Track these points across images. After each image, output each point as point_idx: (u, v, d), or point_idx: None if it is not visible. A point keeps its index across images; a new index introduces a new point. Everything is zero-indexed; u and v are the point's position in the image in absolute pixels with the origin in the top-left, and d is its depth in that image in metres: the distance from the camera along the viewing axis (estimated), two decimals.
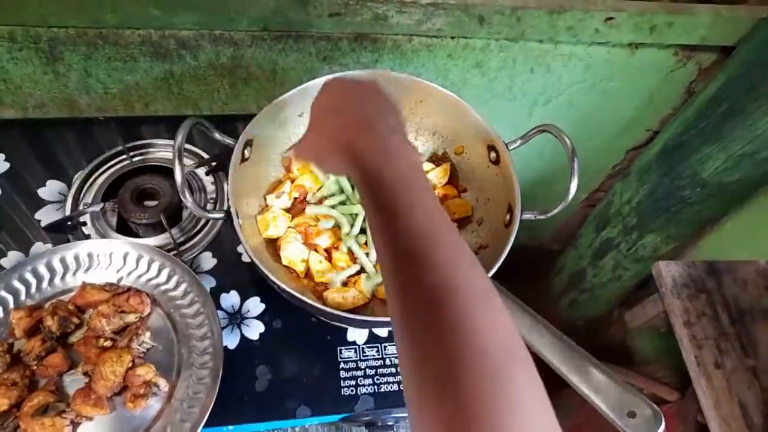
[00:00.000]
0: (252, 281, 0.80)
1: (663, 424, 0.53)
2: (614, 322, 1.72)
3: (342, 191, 0.79)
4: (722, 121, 1.02)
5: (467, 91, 1.13)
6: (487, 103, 1.17)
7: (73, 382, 0.69)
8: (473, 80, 1.11)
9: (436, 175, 0.81)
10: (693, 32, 1.02)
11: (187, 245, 0.82)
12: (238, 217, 0.66)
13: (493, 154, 0.76)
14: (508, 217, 0.71)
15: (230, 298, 0.79)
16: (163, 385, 0.68)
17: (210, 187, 0.88)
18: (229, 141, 0.71)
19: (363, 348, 0.77)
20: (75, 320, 0.71)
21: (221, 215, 0.66)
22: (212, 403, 0.66)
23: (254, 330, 0.76)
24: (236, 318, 0.77)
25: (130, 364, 0.67)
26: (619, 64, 1.10)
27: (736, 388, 0.86)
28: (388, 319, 0.66)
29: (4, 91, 0.99)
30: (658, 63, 1.12)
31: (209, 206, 0.86)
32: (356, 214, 0.76)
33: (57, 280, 0.75)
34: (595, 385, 0.56)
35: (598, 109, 1.24)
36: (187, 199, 0.62)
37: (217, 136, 0.71)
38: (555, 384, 1.42)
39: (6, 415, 0.64)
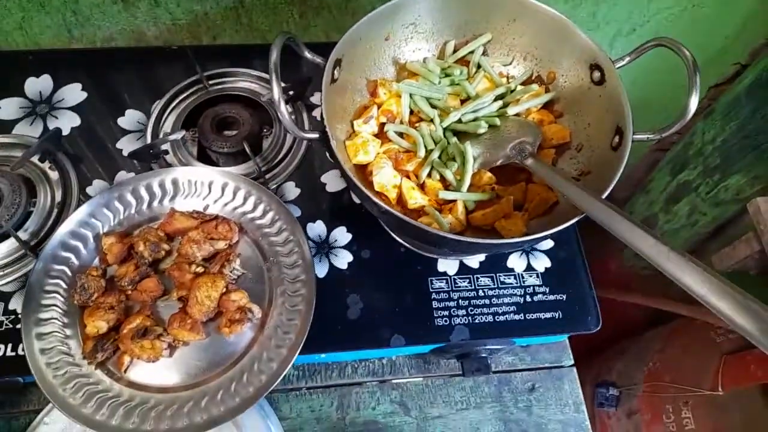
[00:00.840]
0: (338, 211, 0.78)
1: None
2: None
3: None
4: None
5: None
6: None
7: (167, 308, 0.68)
8: (555, 5, 1.03)
9: (532, 99, 0.76)
10: None
11: (270, 174, 0.79)
12: (333, 139, 0.63)
13: (596, 74, 0.71)
14: (617, 139, 0.66)
15: (316, 228, 0.77)
16: (257, 311, 0.67)
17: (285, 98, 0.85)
18: (318, 60, 0.67)
19: (455, 279, 0.74)
20: (165, 247, 0.70)
21: (316, 135, 0.63)
22: (308, 330, 0.65)
23: (343, 259, 0.74)
24: (324, 247, 0.75)
25: (224, 290, 0.66)
26: None
27: None
28: (490, 241, 0.63)
29: (73, 23, 0.97)
30: None
31: (288, 136, 0.83)
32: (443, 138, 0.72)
33: (144, 207, 0.74)
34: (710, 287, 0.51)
35: (685, 39, 1.12)
36: (286, 119, 0.59)
37: (307, 54, 0.67)
38: (632, 329, 1.37)
39: (105, 338, 0.64)
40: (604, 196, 0.60)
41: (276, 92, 0.58)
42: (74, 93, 0.85)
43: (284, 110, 0.59)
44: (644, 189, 1.53)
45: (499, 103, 0.75)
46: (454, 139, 0.70)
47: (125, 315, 0.66)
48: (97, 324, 0.64)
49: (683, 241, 1.51)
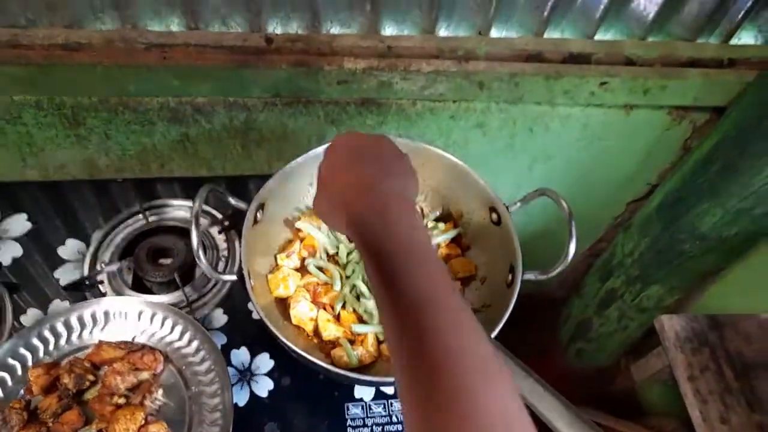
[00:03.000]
0: (262, 338, 0.83)
1: None
2: (621, 371, 1.72)
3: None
4: (718, 178, 1.05)
5: (469, 150, 1.17)
6: (489, 160, 1.21)
7: None
8: (475, 139, 1.15)
9: (440, 235, 0.84)
10: (685, 94, 1.06)
11: (200, 302, 0.85)
12: (250, 279, 0.69)
13: (494, 215, 0.80)
14: (510, 277, 0.74)
15: (240, 355, 0.81)
16: None
17: (222, 245, 0.91)
18: (242, 205, 0.75)
19: (370, 405, 0.78)
20: (90, 377, 0.73)
21: (233, 277, 0.69)
22: None
23: (264, 387, 0.78)
24: (246, 375, 0.79)
25: (143, 422, 0.69)
26: (616, 124, 1.15)
27: None
28: (393, 379, 0.69)
29: (27, 153, 1.05)
30: (653, 122, 1.16)
31: (221, 264, 0.89)
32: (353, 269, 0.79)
33: (74, 338, 0.78)
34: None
35: (597, 165, 1.28)
36: (202, 263, 0.66)
37: (231, 201, 0.75)
38: None
39: None
40: (494, 333, 0.67)
41: (195, 241, 0.65)
42: (20, 223, 0.91)
43: (203, 257, 0.66)
44: (579, 292, 1.62)
45: None
46: (359, 281, 0.76)
47: None
48: None
49: (618, 343, 1.59)
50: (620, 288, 1.42)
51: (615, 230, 1.54)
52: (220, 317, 0.84)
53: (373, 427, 0.77)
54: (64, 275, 0.86)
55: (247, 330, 0.84)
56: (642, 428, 1.20)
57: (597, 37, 1.05)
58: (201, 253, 0.65)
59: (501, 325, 0.68)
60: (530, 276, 0.73)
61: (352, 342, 0.75)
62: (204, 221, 0.92)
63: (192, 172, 1.14)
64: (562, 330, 1.73)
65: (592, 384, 1.77)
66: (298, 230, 0.83)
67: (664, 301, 1.36)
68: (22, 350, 0.75)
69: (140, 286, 0.86)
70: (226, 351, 0.78)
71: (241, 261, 0.87)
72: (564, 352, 1.75)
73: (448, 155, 0.82)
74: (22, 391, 0.73)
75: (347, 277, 0.78)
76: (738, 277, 1.27)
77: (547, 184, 1.30)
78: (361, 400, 0.79)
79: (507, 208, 0.78)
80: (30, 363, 0.75)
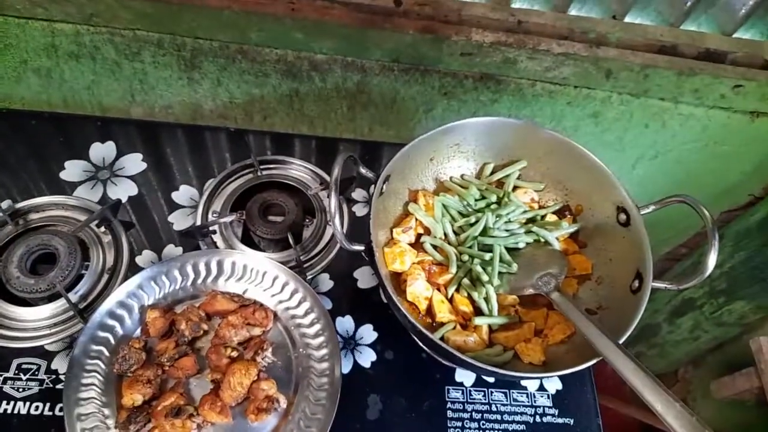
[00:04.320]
0: (366, 308, 0.82)
1: None
2: (679, 380, 1.69)
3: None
4: None
5: (577, 138, 1.11)
6: (594, 151, 1.16)
7: (199, 387, 0.72)
8: (586, 128, 1.11)
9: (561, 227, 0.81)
10: None
11: (307, 264, 0.84)
12: (376, 251, 0.68)
13: (622, 216, 0.76)
14: (636, 283, 0.71)
15: (345, 323, 0.81)
16: (283, 401, 0.71)
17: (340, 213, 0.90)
18: (370, 175, 0.73)
19: (470, 391, 0.78)
20: (204, 327, 0.74)
21: (361, 247, 0.68)
22: (330, 425, 0.68)
23: (367, 358, 0.78)
24: (350, 343, 0.79)
25: (256, 377, 0.70)
26: (737, 130, 1.09)
27: None
28: (514, 373, 0.67)
29: (138, 90, 1.05)
30: None
31: (329, 229, 0.88)
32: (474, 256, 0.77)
33: (188, 285, 0.78)
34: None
35: (703, 170, 1.22)
36: (337, 229, 0.64)
37: (362, 170, 0.73)
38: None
39: (139, 411, 0.68)
40: (622, 340, 0.65)
41: (333, 207, 0.64)
42: (135, 163, 0.91)
43: (338, 225, 0.64)
44: (650, 296, 1.58)
45: (530, 226, 0.80)
46: (478, 267, 0.74)
47: (160, 390, 0.70)
48: (134, 396, 0.67)
49: (684, 353, 1.55)
50: (700, 298, 1.38)
51: (700, 238, 1.48)
52: (326, 282, 0.84)
53: (473, 413, 0.76)
54: (178, 221, 0.86)
55: (351, 298, 0.83)
56: None
57: (736, 35, 0.99)
58: (338, 221, 0.64)
59: (629, 332, 0.66)
60: (661, 285, 0.70)
61: (464, 327, 0.74)
62: (314, 184, 0.91)
63: (292, 128, 1.13)
64: None
65: None
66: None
67: (747, 318, 1.32)
68: (140, 291, 0.76)
69: (249, 241, 0.86)
70: (332, 316, 0.78)
71: (351, 228, 0.89)
72: None
73: (582, 148, 0.79)
74: (138, 331, 0.75)
75: (463, 261, 0.76)
76: None
77: (647, 183, 1.26)
78: (461, 384, 0.78)
79: (639, 210, 0.75)
80: (146, 304, 0.76)
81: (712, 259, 0.68)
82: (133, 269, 0.80)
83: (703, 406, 1.58)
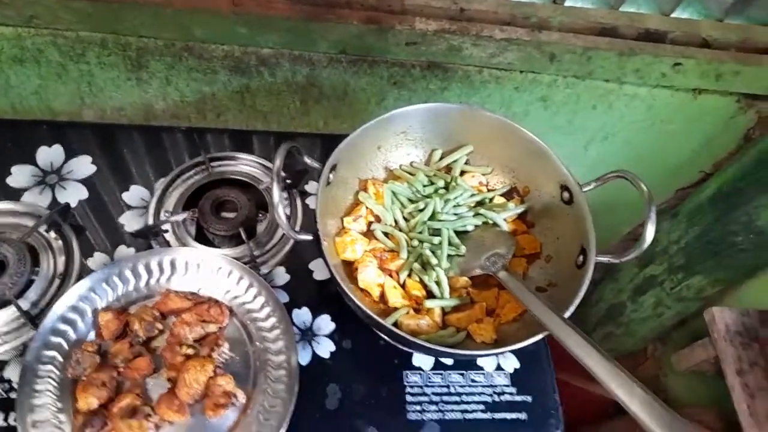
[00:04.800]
0: (323, 299, 0.83)
1: None
2: (648, 357, 1.73)
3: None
4: None
5: (528, 123, 1.13)
6: (546, 135, 1.16)
7: (156, 386, 0.72)
8: (535, 113, 1.13)
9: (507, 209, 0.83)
10: (759, 82, 1.03)
11: (261, 259, 0.85)
12: (324, 240, 0.69)
13: (565, 194, 0.78)
14: (581, 258, 0.73)
15: (302, 315, 0.81)
16: (241, 396, 0.71)
17: (284, 203, 0.91)
18: (315, 165, 0.74)
19: (428, 374, 0.79)
20: (159, 326, 0.74)
21: (309, 237, 0.69)
22: (289, 417, 0.69)
23: (325, 348, 0.79)
24: (307, 335, 0.80)
25: (212, 374, 0.70)
26: (681, 108, 1.12)
27: None
28: (466, 352, 0.69)
29: (87, 93, 1.04)
30: (719, 109, 1.13)
31: None
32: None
33: (141, 285, 0.78)
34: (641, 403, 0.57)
35: (654, 149, 1.26)
36: (282, 221, 0.65)
37: (306, 160, 0.74)
38: (594, 415, 1.41)
39: (95, 414, 0.67)
40: (567, 314, 0.67)
41: (276, 197, 0.65)
42: (84, 165, 0.90)
43: (282, 214, 0.65)
44: (613, 276, 1.61)
45: (478, 209, 0.82)
46: (427, 251, 0.75)
47: (116, 392, 0.70)
48: (89, 400, 0.67)
49: (649, 330, 1.59)
50: (661, 275, 1.41)
51: (658, 216, 1.51)
52: (282, 275, 0.84)
53: (432, 396, 0.77)
54: (129, 222, 0.86)
55: (308, 290, 0.84)
56: (679, 415, 1.20)
57: (674, 15, 1.02)
58: (281, 211, 0.64)
59: (574, 307, 0.68)
60: (603, 259, 0.72)
61: (417, 311, 0.75)
62: (266, 178, 0.91)
63: (246, 125, 1.13)
64: (590, 312, 1.73)
65: None
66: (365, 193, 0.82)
67: (705, 292, 1.35)
68: (92, 294, 0.75)
69: (203, 238, 0.86)
70: (288, 310, 0.78)
71: (304, 220, 0.89)
72: (590, 334, 1.75)
73: (525, 130, 0.80)
74: (92, 335, 0.74)
75: (414, 247, 0.78)
76: None
77: (599, 164, 1.29)
78: (420, 368, 0.79)
79: (581, 187, 0.77)
80: (99, 306, 0.75)
81: (650, 232, 0.70)
82: (86, 273, 0.79)
83: (673, 382, 1.62)
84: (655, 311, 1.48)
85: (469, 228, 0.80)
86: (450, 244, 0.76)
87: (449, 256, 0.76)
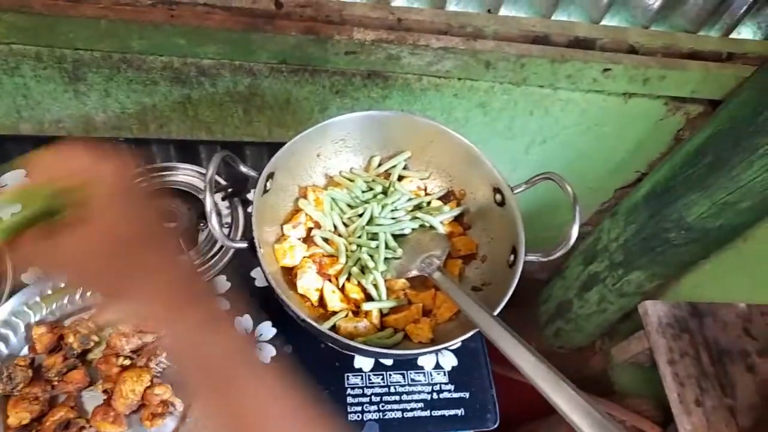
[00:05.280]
0: (264, 306, 0.83)
1: None
2: (596, 352, 1.78)
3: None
4: (708, 170, 1.09)
5: (469, 129, 1.18)
6: (488, 140, 1.22)
7: (92, 399, 0.71)
8: (476, 119, 1.16)
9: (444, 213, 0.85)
10: (683, 86, 1.09)
11: (203, 268, 0.85)
12: (261, 248, 0.70)
13: (498, 196, 0.81)
14: (512, 257, 0.76)
15: (243, 322, 0.82)
16: (179, 405, 0.71)
17: (225, 212, 0.91)
18: (252, 174, 0.75)
19: (369, 375, 0.80)
20: (95, 338, 0.74)
21: (244, 245, 0.70)
22: None
23: (266, 353, 0.80)
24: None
25: (149, 384, 0.70)
26: (613, 111, 1.17)
27: (715, 426, 0.91)
28: (398, 352, 0.71)
29: (23, 105, 1.02)
30: (649, 112, 1.18)
31: (224, 230, 0.89)
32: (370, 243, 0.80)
33: (77, 297, 0.77)
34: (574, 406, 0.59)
35: (590, 151, 1.31)
36: (215, 229, 0.66)
37: (243, 168, 0.74)
38: (541, 409, 1.45)
39: (27, 429, 0.66)
40: (497, 311, 0.69)
41: (209, 205, 0.65)
42: (18, 179, 0.88)
43: (215, 223, 0.66)
44: (561, 274, 1.66)
45: (416, 213, 0.84)
46: (365, 255, 0.77)
47: (49, 405, 0.69)
48: (21, 415, 0.66)
49: (595, 325, 1.64)
50: (603, 272, 1.46)
51: (600, 216, 1.57)
52: (223, 284, 0.85)
53: (372, 396, 0.79)
54: None
55: (249, 297, 0.84)
56: (619, 407, 1.25)
57: (603, 23, 1.07)
58: (215, 219, 0.65)
59: (503, 304, 0.70)
60: (532, 258, 0.75)
61: (356, 314, 0.76)
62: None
63: (190, 135, 1.13)
64: (541, 310, 1.78)
65: (567, 364, 1.82)
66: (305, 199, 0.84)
67: (644, 287, 1.41)
68: (25, 308, 0.74)
69: None
70: (230, 317, 0.78)
71: (245, 229, 0.90)
72: (542, 331, 1.80)
73: (458, 135, 0.83)
74: (25, 349, 0.73)
75: (352, 251, 0.79)
76: (716, 267, 1.32)
77: (541, 167, 1.32)
78: (360, 370, 0.81)
79: (512, 189, 0.80)
80: (33, 321, 0.74)
81: (574, 231, 0.73)
82: (20, 287, 0.78)
83: (618, 374, 1.68)
84: (599, 307, 1.53)
85: (407, 231, 0.82)
86: (387, 247, 0.78)
87: (386, 258, 0.78)
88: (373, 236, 0.80)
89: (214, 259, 0.86)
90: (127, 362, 0.72)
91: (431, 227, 0.83)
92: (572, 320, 1.67)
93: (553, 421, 1.37)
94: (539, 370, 0.60)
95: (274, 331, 0.82)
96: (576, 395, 0.57)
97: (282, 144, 1.08)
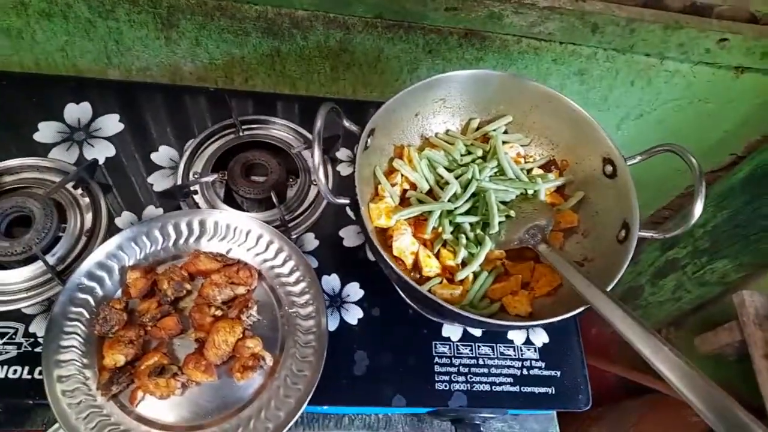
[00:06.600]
0: (352, 266, 0.81)
1: None
2: None
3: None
4: None
5: None
6: None
7: (182, 346, 0.71)
8: (571, 87, 1.10)
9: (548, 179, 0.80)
10: None
11: (292, 224, 0.83)
12: (362, 205, 0.67)
13: (608, 168, 0.76)
14: (623, 233, 0.71)
15: (331, 281, 0.80)
16: (269, 359, 0.70)
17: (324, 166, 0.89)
18: (354, 129, 0.72)
19: (457, 345, 0.78)
20: (187, 286, 0.73)
21: (346, 201, 0.67)
22: (317, 382, 0.68)
23: (353, 315, 0.78)
24: (336, 301, 0.79)
25: (240, 336, 0.69)
26: (721, 86, 1.08)
27: None
28: (504, 323, 0.67)
29: (114, 51, 1.02)
30: (759, 89, 1.09)
31: (312, 188, 0.87)
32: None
33: (170, 245, 0.77)
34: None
35: (686, 129, 1.22)
36: (321, 184, 0.63)
37: (345, 123, 0.71)
38: (609, 396, 1.41)
39: (122, 371, 0.66)
40: (610, 288, 0.65)
41: (317, 159, 0.63)
42: (112, 123, 0.88)
43: (322, 177, 0.63)
44: (633, 259, 1.59)
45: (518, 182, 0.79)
46: (464, 221, 0.73)
47: (142, 350, 0.69)
48: (116, 357, 0.66)
49: (666, 314, 1.57)
50: (683, 259, 1.39)
51: (682, 199, 1.49)
52: (311, 241, 0.83)
53: (460, 367, 0.76)
54: (157, 182, 0.84)
55: (337, 257, 0.82)
56: None
57: None
58: (321, 173, 0.63)
59: (616, 281, 0.66)
60: (647, 235, 0.70)
61: (450, 281, 0.73)
62: (296, 143, 0.89)
63: (274, 89, 1.10)
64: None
65: (629, 350, 1.76)
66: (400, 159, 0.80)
67: (729, 277, 1.33)
68: (120, 252, 0.74)
69: (232, 201, 0.85)
70: (317, 275, 0.77)
71: (338, 186, 0.87)
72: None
73: (569, 100, 0.77)
74: (119, 293, 0.73)
75: (449, 212, 0.75)
76: None
77: (632, 143, 1.26)
78: (448, 339, 0.78)
79: (625, 160, 0.74)
80: (127, 264, 0.74)
81: (698, 207, 0.68)
82: (113, 231, 0.78)
83: (703, 366, 1.61)
84: (674, 295, 1.46)
85: (508, 198, 0.77)
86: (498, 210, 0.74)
87: (485, 226, 0.74)
88: (475, 202, 0.76)
89: (303, 215, 0.85)
90: (219, 312, 0.71)
91: (533, 196, 0.78)
92: (641, 307, 1.60)
93: (623, 408, 1.32)
94: (660, 353, 0.56)
95: (361, 293, 0.80)
96: (713, 390, 0.53)
97: (364, 102, 1.06)
